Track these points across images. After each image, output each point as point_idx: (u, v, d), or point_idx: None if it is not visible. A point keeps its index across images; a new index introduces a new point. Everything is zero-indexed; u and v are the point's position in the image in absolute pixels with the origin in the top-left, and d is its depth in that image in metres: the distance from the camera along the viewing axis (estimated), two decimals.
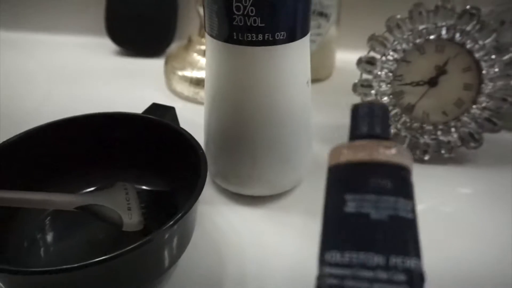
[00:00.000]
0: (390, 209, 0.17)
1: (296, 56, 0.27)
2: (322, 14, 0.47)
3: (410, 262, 0.16)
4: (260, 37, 0.25)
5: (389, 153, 0.18)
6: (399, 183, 0.18)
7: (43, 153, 0.29)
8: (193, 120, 0.35)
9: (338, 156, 0.19)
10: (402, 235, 0.17)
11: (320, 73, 0.52)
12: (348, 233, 0.17)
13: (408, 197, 0.18)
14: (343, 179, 0.19)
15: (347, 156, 0.19)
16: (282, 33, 0.25)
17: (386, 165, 0.18)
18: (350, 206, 0.17)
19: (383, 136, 0.20)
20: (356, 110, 0.21)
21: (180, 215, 0.22)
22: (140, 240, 0.20)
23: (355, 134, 0.20)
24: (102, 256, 0.19)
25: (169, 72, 0.49)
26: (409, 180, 0.19)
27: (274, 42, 0.25)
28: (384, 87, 0.36)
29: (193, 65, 0.47)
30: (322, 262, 0.18)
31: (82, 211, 0.26)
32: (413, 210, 0.18)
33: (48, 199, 0.25)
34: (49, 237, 0.28)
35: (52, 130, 0.29)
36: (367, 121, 0.20)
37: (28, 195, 0.24)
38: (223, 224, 0.30)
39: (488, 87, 0.34)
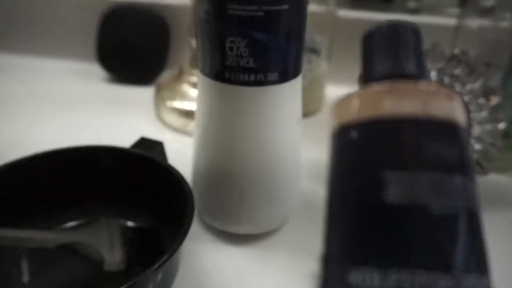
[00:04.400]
0: (457, 196, 0.11)
1: (287, 96, 0.27)
2: (313, 51, 0.47)
3: (484, 284, 0.11)
4: (252, 77, 0.25)
5: (449, 104, 0.11)
6: (462, 153, 0.11)
7: (24, 187, 0.28)
8: (182, 151, 0.34)
9: (365, 106, 0.12)
10: (474, 240, 0.11)
11: (310, 107, 0.52)
12: (393, 238, 0.10)
13: (472, 175, 0.12)
14: (378, 147, 0.11)
15: (386, 107, 0.11)
16: (274, 73, 0.25)
17: (448, 122, 0.11)
18: (394, 193, 0.10)
19: (420, 77, 0.13)
20: (374, 37, 0.14)
21: (165, 258, 0.21)
22: (123, 284, 0.19)
23: (374, 72, 0.13)
24: None
25: (159, 102, 0.49)
26: (470, 148, 0.12)
27: (266, 83, 0.25)
28: None
29: (183, 96, 0.47)
30: (341, 285, 0.11)
31: (62, 249, 0.25)
32: (477, 195, 0.12)
33: (27, 237, 0.24)
34: (25, 275, 0.27)
35: (34, 163, 0.28)
36: (394, 53, 0.13)
37: (4, 232, 0.23)
38: (208, 263, 0.29)
39: (476, 130, 0.34)
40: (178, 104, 0.47)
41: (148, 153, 0.30)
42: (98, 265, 0.25)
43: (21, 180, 0.28)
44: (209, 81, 0.26)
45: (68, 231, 0.28)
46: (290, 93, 0.27)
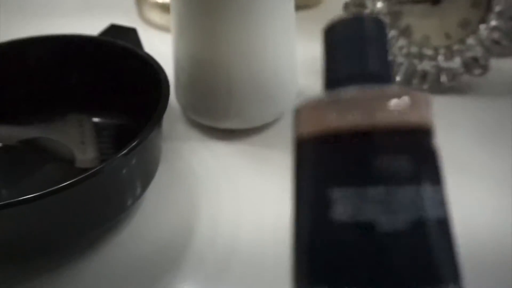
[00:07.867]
0: (412, 208, 0.10)
1: None
2: None
3: None
4: None
5: (399, 106, 0.10)
6: (422, 158, 0.11)
7: None
8: (166, 50, 0.30)
9: (313, 120, 0.11)
10: (436, 253, 0.10)
11: None
12: (342, 257, 0.10)
13: (436, 181, 0.11)
14: (324, 163, 0.11)
15: (329, 120, 0.11)
16: None
17: (397, 130, 0.10)
18: (340, 210, 0.10)
19: (383, 76, 0.12)
20: (333, 33, 0.12)
21: (135, 142, 0.19)
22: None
23: (334, 77, 0.12)
24: None
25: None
26: (434, 150, 0.11)
27: None
28: (379, 5, 0.31)
29: None
30: None
31: (27, 145, 0.22)
32: (444, 202, 0.11)
33: None
34: None
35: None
36: (354, 51, 0.12)
37: None
38: (195, 162, 0.27)
39: (499, 3, 0.29)
40: None
41: (120, 40, 0.26)
42: (68, 162, 0.23)
43: None
44: None
45: (33, 127, 0.25)
46: None
